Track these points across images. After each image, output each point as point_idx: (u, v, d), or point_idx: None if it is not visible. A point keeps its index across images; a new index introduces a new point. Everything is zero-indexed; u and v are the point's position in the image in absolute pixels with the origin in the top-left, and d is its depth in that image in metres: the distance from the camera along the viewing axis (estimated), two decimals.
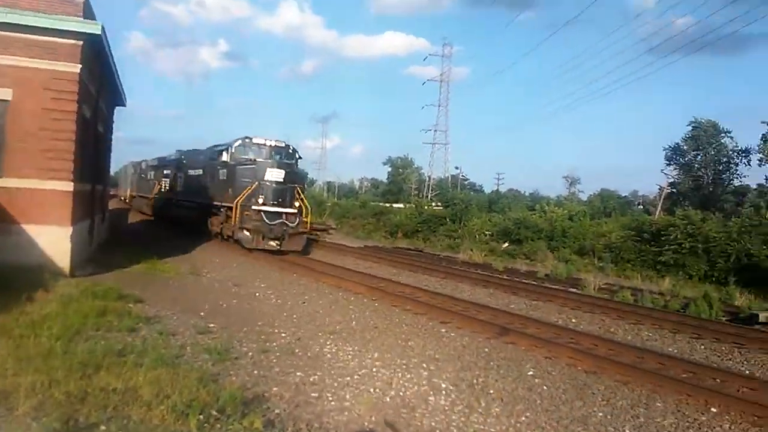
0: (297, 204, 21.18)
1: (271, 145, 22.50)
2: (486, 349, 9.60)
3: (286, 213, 20.61)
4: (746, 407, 7.32)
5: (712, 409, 7.31)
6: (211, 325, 9.28)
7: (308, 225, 22.34)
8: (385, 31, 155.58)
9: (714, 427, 6.79)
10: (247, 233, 20.29)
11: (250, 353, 7.91)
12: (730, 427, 6.83)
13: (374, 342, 9.37)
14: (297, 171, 22.32)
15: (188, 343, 7.93)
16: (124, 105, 22.79)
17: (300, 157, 23.63)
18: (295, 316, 10.95)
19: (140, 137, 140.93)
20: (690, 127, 50.75)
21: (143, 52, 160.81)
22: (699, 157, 50.92)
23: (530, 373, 8.46)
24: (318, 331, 9.70)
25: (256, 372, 7.15)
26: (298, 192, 21.45)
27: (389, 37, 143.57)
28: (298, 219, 21.04)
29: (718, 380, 8.70)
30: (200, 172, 26.02)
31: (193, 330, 8.76)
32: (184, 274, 14.67)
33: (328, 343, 8.98)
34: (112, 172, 35.93)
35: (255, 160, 21.38)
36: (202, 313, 10.20)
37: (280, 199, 20.65)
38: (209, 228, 24.02)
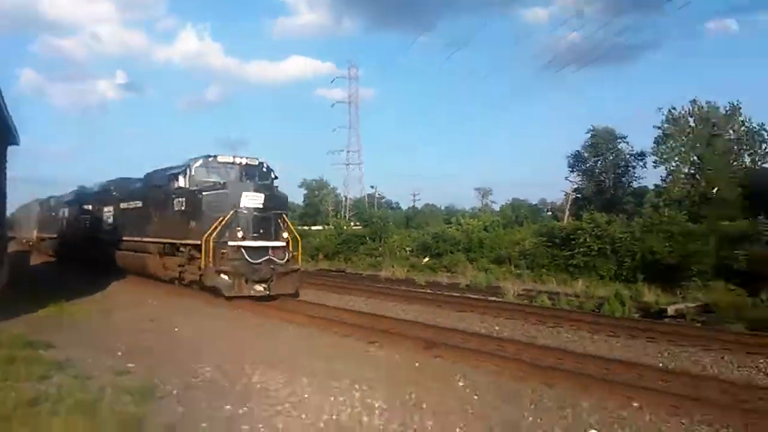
0: (285, 235, 17.25)
1: (241, 164, 18.38)
2: (416, 364, 9.64)
3: (272, 247, 16.59)
4: (664, 398, 7.70)
5: (634, 404, 7.60)
6: (130, 365, 8.83)
7: (299, 260, 18.44)
8: (290, 56, 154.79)
9: (637, 420, 7.08)
10: (225, 277, 15.99)
11: (175, 390, 7.57)
12: (650, 419, 7.14)
13: (303, 368, 9.21)
14: (278, 194, 18.02)
15: (107, 386, 7.50)
16: (17, 144, 21.41)
17: (276, 177, 19.04)
18: (218, 347, 10.61)
19: (37, 176, 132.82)
20: (589, 135, 53.57)
21: (36, 88, 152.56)
22: (599, 162, 53.78)
23: (460, 383, 8.56)
24: (244, 362, 9.43)
25: (181, 409, 6.86)
26: (283, 220, 17.53)
27: (294, 62, 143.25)
28: (287, 254, 17.00)
29: (636, 375, 9.12)
30: (138, 204, 21.69)
31: (111, 372, 8.30)
32: (96, 315, 13.93)
33: (256, 373, 8.75)
34: (8, 214, 33.14)
35: (224, 183, 17.29)
36: (119, 353, 9.70)
37: (262, 231, 16.58)
38: (160, 272, 19.60)
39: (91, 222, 27.53)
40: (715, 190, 38.88)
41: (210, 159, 18.24)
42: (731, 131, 42.55)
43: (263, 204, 16.69)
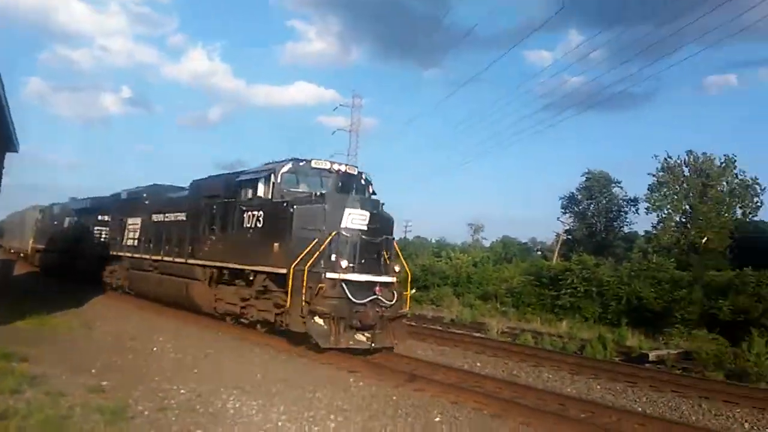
0: (397, 268, 13.68)
1: (339, 171, 14.57)
2: (394, 397, 9.55)
3: (381, 283, 12.96)
4: None
5: None
6: (104, 383, 8.71)
7: (408, 302, 14.26)
8: (295, 82, 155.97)
9: None
10: (321, 321, 12.28)
11: (146, 412, 7.46)
12: None
13: (280, 395, 9.11)
14: (385, 214, 13.85)
15: (78, 404, 7.38)
16: (16, 151, 21.12)
17: (374, 192, 15.01)
18: (196, 370, 10.48)
19: (33, 184, 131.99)
20: (584, 178, 54.04)
21: (41, 97, 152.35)
22: (592, 205, 54.14)
23: (437, 419, 8.47)
24: (221, 386, 9.31)
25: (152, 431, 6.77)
26: (392, 248, 13.98)
27: (299, 87, 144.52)
28: (395, 294, 13.21)
29: (614, 419, 9.08)
30: (180, 217, 18.07)
31: (84, 389, 8.18)
32: (75, 329, 13.78)
33: (231, 398, 8.64)
34: None
35: (322, 195, 13.38)
36: (93, 371, 9.56)
37: (366, 261, 12.89)
38: (207, 305, 16.05)
39: (108, 235, 24.19)
40: (704, 240, 39.18)
41: (301, 163, 14.40)
42: (725, 183, 43.04)
43: (368, 225, 13.02)
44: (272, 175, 14.11)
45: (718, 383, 12.63)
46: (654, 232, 44.09)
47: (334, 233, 12.54)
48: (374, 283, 12.76)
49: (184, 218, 17.80)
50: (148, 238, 20.05)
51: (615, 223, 53.67)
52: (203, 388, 9.07)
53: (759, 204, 42.43)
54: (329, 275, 12.28)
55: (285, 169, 14.15)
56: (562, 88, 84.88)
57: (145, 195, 22.08)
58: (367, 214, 13.00)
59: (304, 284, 12.26)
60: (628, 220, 53.02)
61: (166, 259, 18.38)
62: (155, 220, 19.83)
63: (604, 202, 53.44)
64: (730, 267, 27.61)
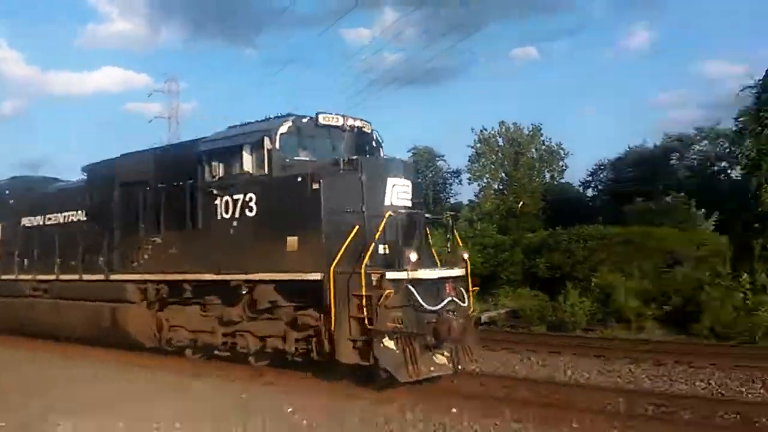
0: (466, 255, 10.16)
1: (354, 128, 10.91)
2: (243, 396, 9.35)
3: (453, 277, 9.70)
4: (479, 403, 8.27)
5: (453, 410, 8.03)
6: None
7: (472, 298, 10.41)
8: (101, 67, 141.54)
9: (455, 425, 7.48)
10: (392, 344, 8.73)
11: None
12: (469, 424, 7.59)
13: (118, 409, 8.53)
14: (419, 183, 10.82)
15: None
16: None
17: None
18: (18, 394, 9.48)
19: None
20: (410, 153, 56.30)
21: None
22: (420, 180, 56.64)
23: (289, 410, 8.44)
24: (49, 410, 8.52)
25: None
26: (451, 228, 11.12)
27: (105, 73, 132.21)
28: (464, 291, 9.90)
29: (454, 382, 9.66)
30: (78, 217, 13.72)
31: None
32: None
33: (60, 421, 7.92)
34: None
35: (355, 160, 9.70)
36: None
37: (418, 248, 9.48)
38: (149, 337, 12.06)
39: None
40: (520, 205, 42.61)
41: (305, 120, 10.48)
42: (534, 150, 46.92)
43: (412, 201, 9.86)
44: (266, 140, 10.08)
45: (542, 336, 13.97)
46: (476, 200, 47.11)
47: (388, 214, 9.15)
48: (445, 280, 9.50)
49: (84, 218, 13.54)
50: (24, 251, 15.01)
51: (442, 194, 56.62)
52: (28, 414, 8.24)
53: (564, 167, 46.86)
54: (390, 275, 8.81)
55: (284, 129, 10.22)
56: (382, 64, 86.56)
57: (7, 192, 16.63)
58: (410, 184, 9.89)
59: (363, 293, 8.72)
60: (453, 191, 56.15)
61: (64, 278, 13.71)
62: (28, 225, 15.14)
63: (431, 175, 56.09)
64: (543, 227, 30.18)
